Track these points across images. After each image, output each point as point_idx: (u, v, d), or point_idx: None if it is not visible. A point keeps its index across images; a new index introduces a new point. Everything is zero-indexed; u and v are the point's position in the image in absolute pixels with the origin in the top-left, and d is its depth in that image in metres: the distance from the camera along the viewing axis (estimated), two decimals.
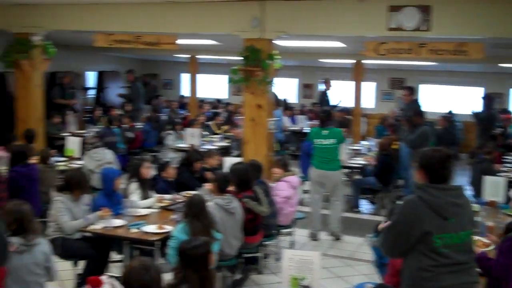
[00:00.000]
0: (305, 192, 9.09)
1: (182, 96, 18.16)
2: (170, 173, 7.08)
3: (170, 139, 11.42)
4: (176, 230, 4.98)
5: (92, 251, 5.59)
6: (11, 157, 7.11)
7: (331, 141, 7.71)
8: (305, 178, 9.81)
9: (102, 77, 16.92)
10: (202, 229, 4.85)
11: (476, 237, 4.39)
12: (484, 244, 4.77)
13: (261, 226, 6.06)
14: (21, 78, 9.07)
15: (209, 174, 7.34)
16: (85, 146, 8.49)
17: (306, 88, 18.37)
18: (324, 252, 7.15)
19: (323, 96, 13.53)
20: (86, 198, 5.87)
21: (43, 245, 4.32)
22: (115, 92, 17.14)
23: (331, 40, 10.35)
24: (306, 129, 13.51)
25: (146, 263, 3.24)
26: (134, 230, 5.42)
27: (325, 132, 7.73)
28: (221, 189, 5.63)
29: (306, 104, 17.15)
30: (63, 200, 5.58)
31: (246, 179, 5.94)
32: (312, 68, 17.76)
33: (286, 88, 17.34)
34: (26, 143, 8.31)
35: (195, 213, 4.95)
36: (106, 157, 8.47)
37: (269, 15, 7.39)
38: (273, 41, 7.71)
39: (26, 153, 7.14)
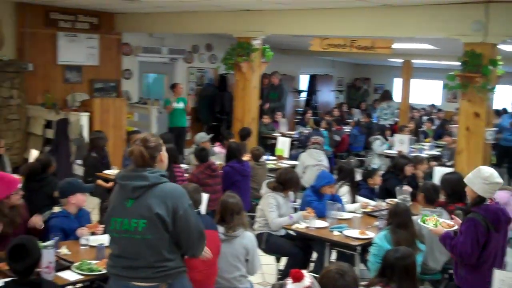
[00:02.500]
0: None
1: None
2: (377, 180, 6.94)
3: (378, 144, 11.26)
4: (378, 237, 4.87)
5: (296, 249, 5.74)
6: (227, 153, 7.64)
7: None
8: None
9: (314, 80, 17.33)
10: (405, 238, 4.68)
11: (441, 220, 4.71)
12: (448, 225, 4.71)
13: None
14: (240, 80, 9.58)
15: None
16: (308, 145, 8.82)
17: None
18: None
19: None
20: (292, 196, 6.04)
21: (244, 239, 4.41)
22: (326, 95, 17.46)
23: None
24: None
25: (342, 268, 3.21)
26: (336, 232, 5.43)
27: None
28: (429, 201, 5.36)
29: None
30: (275, 197, 5.78)
31: (460, 190, 5.57)
32: None
33: (507, 96, 15.98)
34: (241, 141, 8.86)
35: (399, 222, 4.80)
36: (323, 159, 8.63)
37: (494, 18, 6.82)
38: (496, 46, 7.16)
39: (241, 150, 7.61)
